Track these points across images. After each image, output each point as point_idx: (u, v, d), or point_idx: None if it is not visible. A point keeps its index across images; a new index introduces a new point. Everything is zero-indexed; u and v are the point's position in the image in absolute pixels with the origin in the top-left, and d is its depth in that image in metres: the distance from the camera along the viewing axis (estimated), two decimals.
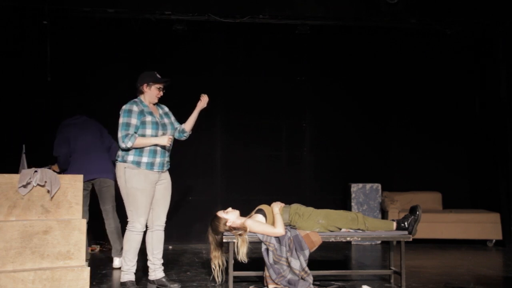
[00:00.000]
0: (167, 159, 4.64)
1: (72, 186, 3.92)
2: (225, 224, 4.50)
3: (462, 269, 5.56)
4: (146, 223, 4.60)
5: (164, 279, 4.66)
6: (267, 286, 4.45)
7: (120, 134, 4.43)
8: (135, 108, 4.50)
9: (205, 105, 4.83)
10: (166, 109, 4.83)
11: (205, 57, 7.49)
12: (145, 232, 4.63)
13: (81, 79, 7.17)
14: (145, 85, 4.61)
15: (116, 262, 5.52)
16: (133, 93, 7.49)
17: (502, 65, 7.16)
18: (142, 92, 4.64)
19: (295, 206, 4.77)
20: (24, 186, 3.76)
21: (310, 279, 4.40)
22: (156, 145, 4.48)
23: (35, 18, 6.41)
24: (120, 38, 7.29)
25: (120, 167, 4.48)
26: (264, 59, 7.66)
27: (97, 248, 6.72)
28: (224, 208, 4.69)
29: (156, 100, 4.66)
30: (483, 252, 6.79)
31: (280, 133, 7.73)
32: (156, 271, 4.68)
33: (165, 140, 4.47)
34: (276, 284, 4.39)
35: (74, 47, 7.14)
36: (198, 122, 7.30)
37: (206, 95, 4.83)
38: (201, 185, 7.42)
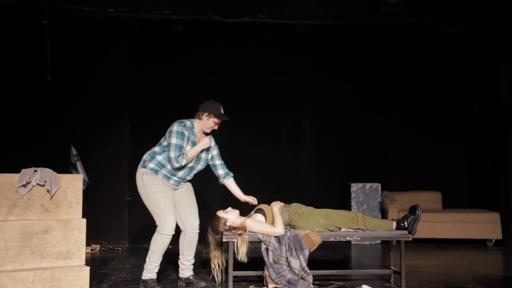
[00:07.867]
0: (187, 178, 4.66)
1: (72, 185, 3.92)
2: (225, 223, 4.50)
3: (462, 269, 5.56)
4: (178, 226, 4.59)
5: (191, 277, 4.70)
6: (267, 285, 4.45)
7: (173, 154, 4.39)
8: (186, 133, 4.49)
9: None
10: (212, 143, 4.73)
11: (205, 57, 7.49)
12: (178, 234, 4.65)
13: (81, 79, 7.18)
14: (206, 114, 4.56)
15: None
16: (133, 92, 7.48)
17: (502, 65, 7.15)
18: (199, 118, 4.59)
19: (295, 206, 4.76)
20: (24, 186, 3.75)
21: (310, 278, 4.40)
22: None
23: (35, 18, 6.41)
24: (120, 38, 7.29)
25: (138, 172, 4.50)
26: (264, 59, 7.66)
27: (97, 248, 6.72)
28: (224, 207, 4.68)
29: (208, 131, 4.64)
30: (483, 251, 6.79)
31: (280, 133, 7.73)
32: (185, 270, 4.72)
33: (207, 142, 4.58)
34: (276, 283, 4.39)
35: (74, 47, 7.14)
36: None
37: (256, 200, 4.85)
38: (201, 184, 7.39)
